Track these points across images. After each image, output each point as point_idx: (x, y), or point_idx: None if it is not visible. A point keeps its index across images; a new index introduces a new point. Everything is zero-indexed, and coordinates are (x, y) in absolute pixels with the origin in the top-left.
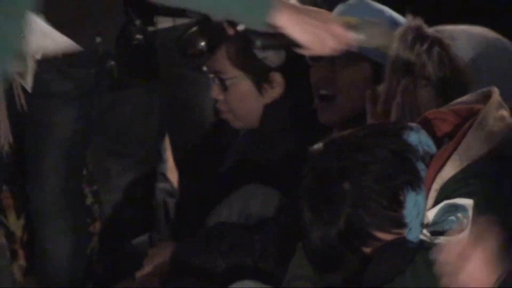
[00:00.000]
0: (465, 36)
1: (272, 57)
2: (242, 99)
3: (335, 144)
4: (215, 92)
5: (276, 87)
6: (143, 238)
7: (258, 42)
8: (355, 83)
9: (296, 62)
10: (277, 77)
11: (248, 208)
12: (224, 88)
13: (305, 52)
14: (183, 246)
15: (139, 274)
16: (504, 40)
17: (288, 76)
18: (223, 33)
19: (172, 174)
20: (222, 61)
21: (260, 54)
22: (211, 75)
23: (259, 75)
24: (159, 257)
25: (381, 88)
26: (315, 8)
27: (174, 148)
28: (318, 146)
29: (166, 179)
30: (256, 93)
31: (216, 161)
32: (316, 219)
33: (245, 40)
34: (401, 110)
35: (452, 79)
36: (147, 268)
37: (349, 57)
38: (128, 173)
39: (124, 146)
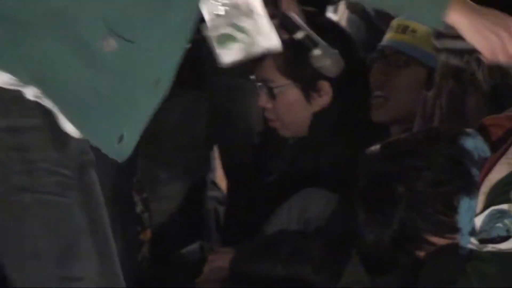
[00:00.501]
0: None
1: (330, 67)
2: (290, 108)
3: (392, 147)
4: (263, 100)
5: (324, 96)
6: (193, 247)
7: (315, 52)
8: (408, 86)
9: (345, 71)
10: (325, 86)
11: (307, 212)
12: (272, 96)
13: (482, 58)
14: (242, 252)
15: (199, 279)
16: None
17: (336, 84)
18: None
19: (222, 182)
20: (270, 69)
21: (316, 63)
22: (259, 84)
23: (307, 84)
24: (218, 262)
25: (431, 92)
26: (496, 11)
27: (223, 156)
28: (375, 148)
29: (216, 187)
30: (304, 102)
31: (264, 169)
32: (370, 221)
33: (297, 48)
34: (446, 114)
35: (503, 86)
36: (207, 273)
37: (404, 61)
38: (176, 181)
39: (170, 154)
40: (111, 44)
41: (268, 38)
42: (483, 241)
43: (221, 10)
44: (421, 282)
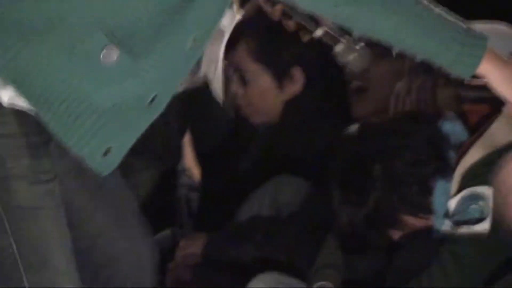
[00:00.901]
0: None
1: (355, 62)
2: (262, 94)
3: (371, 127)
4: (235, 86)
5: (297, 82)
6: (165, 233)
7: (337, 48)
8: (387, 76)
9: (317, 58)
10: (298, 72)
11: (278, 199)
12: (244, 82)
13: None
14: (215, 237)
15: (171, 265)
16: None
17: (308, 71)
18: (242, 28)
19: (194, 169)
20: (243, 55)
21: (340, 59)
22: (231, 70)
23: (280, 70)
24: (190, 248)
25: (401, 84)
26: None
27: (195, 143)
28: (353, 128)
29: (188, 174)
30: (276, 89)
31: (237, 155)
32: (345, 201)
33: (266, 34)
34: (416, 107)
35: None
36: (179, 260)
37: (382, 51)
38: (150, 169)
39: (144, 142)
40: (112, 55)
41: None
42: (457, 223)
43: None
44: (395, 264)
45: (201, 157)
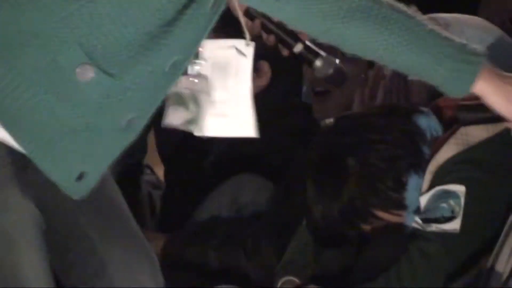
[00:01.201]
0: (459, 24)
1: (333, 76)
2: None
3: (346, 121)
4: None
5: (263, 76)
6: None
7: (316, 63)
8: (351, 77)
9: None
10: (265, 66)
11: (239, 199)
12: None
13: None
14: (174, 238)
15: None
16: (499, 30)
17: (275, 66)
18: None
19: (157, 167)
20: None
21: (319, 74)
22: None
23: None
24: None
25: (371, 72)
26: None
27: (158, 140)
28: (329, 121)
29: (151, 171)
30: None
31: (200, 154)
32: (319, 194)
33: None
34: (388, 93)
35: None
36: None
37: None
38: (116, 165)
39: None
40: (88, 73)
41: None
42: (427, 221)
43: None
44: (363, 258)
45: (164, 155)
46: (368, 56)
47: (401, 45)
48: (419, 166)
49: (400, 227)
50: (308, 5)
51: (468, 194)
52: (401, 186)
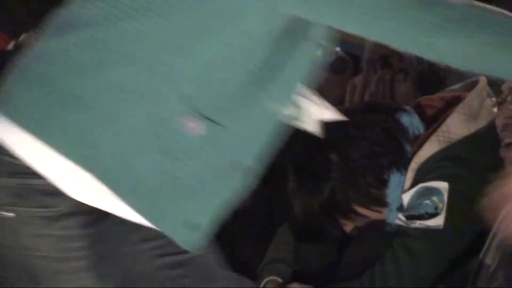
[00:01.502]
0: None
1: None
2: None
3: None
4: None
5: None
6: None
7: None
8: (335, 80)
9: None
10: None
11: None
12: None
13: None
14: None
15: None
16: None
17: None
18: None
19: None
20: None
21: None
22: None
23: None
24: None
25: (359, 79)
26: None
27: None
28: None
29: None
30: None
31: None
32: (300, 189)
33: None
34: (375, 99)
35: (429, 73)
36: None
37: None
38: None
39: None
40: (199, 127)
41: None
42: (410, 218)
43: None
44: (347, 256)
45: None
46: (467, 67)
47: (496, 50)
48: (401, 164)
49: (382, 224)
50: None
51: (451, 190)
52: (382, 182)
